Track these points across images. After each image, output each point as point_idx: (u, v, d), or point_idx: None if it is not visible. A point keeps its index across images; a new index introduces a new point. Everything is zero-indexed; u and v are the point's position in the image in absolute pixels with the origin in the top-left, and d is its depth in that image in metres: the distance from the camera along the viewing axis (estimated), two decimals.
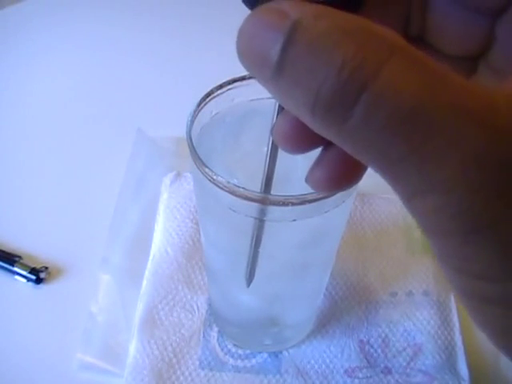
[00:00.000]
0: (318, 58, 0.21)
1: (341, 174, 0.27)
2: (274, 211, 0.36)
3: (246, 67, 0.24)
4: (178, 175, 0.66)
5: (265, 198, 0.34)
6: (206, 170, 0.36)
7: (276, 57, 0.22)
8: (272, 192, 0.34)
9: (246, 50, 0.23)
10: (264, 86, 0.24)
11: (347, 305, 0.57)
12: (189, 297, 0.56)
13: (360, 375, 0.52)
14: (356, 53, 0.20)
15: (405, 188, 0.22)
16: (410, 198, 0.22)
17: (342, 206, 0.38)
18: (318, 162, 0.27)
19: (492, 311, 0.23)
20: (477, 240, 0.21)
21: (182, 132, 0.39)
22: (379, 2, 0.29)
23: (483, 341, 0.54)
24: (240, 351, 0.53)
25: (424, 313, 0.56)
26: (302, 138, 0.27)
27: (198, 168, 0.37)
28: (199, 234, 0.59)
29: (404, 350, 0.53)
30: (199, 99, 0.41)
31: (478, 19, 0.29)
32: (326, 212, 0.37)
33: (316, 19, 0.22)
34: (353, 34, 0.21)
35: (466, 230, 0.21)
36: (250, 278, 0.42)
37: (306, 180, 0.28)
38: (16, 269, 0.59)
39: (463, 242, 0.21)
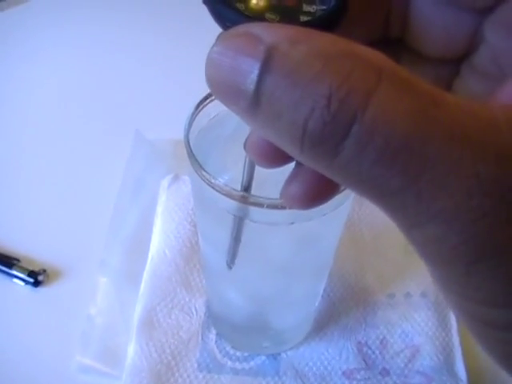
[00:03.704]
0: (301, 88, 0.19)
1: (316, 190, 0.26)
2: (272, 214, 0.36)
3: (219, 98, 0.22)
4: (176, 178, 0.66)
5: (263, 201, 0.34)
6: (204, 173, 0.36)
7: (252, 87, 0.20)
8: (266, 194, 0.34)
9: (217, 80, 0.22)
10: (241, 117, 0.22)
11: (345, 306, 0.57)
12: (187, 299, 0.56)
13: (358, 377, 0.52)
14: (342, 82, 0.19)
15: (403, 219, 0.21)
16: (408, 228, 0.21)
17: (339, 209, 0.38)
18: (292, 177, 0.26)
19: (496, 335, 0.22)
20: (481, 269, 0.20)
21: (180, 134, 0.39)
22: (358, 5, 0.27)
23: None
24: (238, 353, 0.54)
25: (422, 314, 0.56)
26: (276, 153, 0.25)
27: (196, 171, 0.37)
28: (197, 237, 0.59)
29: (402, 351, 0.53)
30: (197, 102, 0.41)
31: (464, 19, 0.27)
32: (324, 215, 0.37)
33: (293, 44, 0.20)
34: (336, 60, 0.20)
35: (469, 259, 0.20)
36: (232, 259, 0.41)
37: (280, 196, 0.27)
38: (14, 272, 0.59)
39: (466, 272, 0.20)
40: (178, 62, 0.83)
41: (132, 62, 0.86)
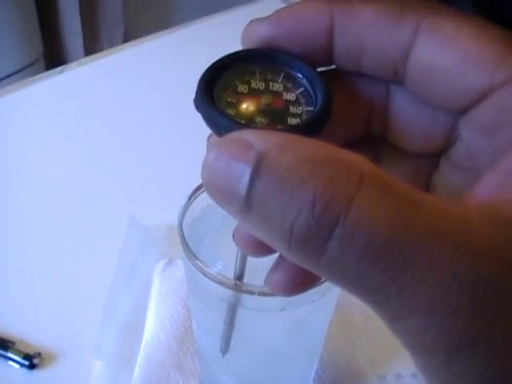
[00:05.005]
0: (288, 193, 0.21)
1: (298, 279, 0.27)
2: (263, 301, 0.37)
3: (214, 200, 0.24)
4: (170, 262, 0.67)
5: (254, 289, 0.36)
6: (198, 262, 0.37)
7: (244, 191, 0.22)
8: (258, 281, 0.35)
9: (213, 184, 0.23)
10: (235, 218, 0.23)
11: None
12: (180, 383, 0.57)
13: None
14: (326, 187, 0.21)
15: (386, 313, 0.22)
16: (391, 321, 0.22)
17: (328, 295, 0.39)
18: (276, 266, 0.27)
19: None
20: (460, 358, 0.21)
21: (173, 220, 0.40)
22: (342, 109, 0.29)
23: None
24: None
25: None
26: (263, 245, 0.25)
27: (190, 260, 0.38)
28: (191, 320, 0.59)
29: None
30: (190, 192, 0.42)
31: (440, 118, 0.29)
32: (312, 301, 0.38)
33: (281, 151, 0.22)
34: (320, 166, 0.21)
35: (449, 349, 0.21)
36: (226, 346, 0.42)
37: (265, 283, 0.28)
38: (10, 354, 0.59)
39: (447, 360, 0.21)
40: (171, 149, 0.85)
41: (125, 150, 0.87)
